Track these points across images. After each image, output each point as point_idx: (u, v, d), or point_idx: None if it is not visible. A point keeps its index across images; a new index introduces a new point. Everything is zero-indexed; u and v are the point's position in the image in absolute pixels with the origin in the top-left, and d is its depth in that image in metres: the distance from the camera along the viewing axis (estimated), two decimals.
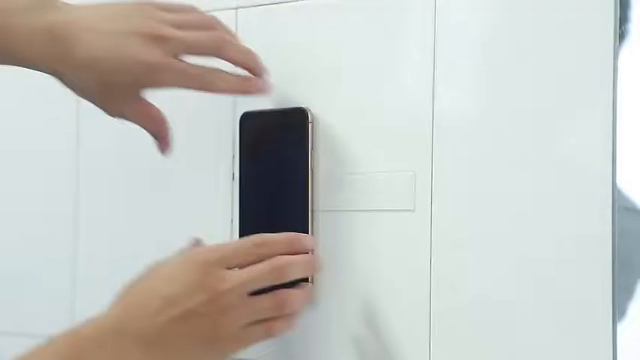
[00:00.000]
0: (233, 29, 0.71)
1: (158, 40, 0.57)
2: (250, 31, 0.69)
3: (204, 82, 0.60)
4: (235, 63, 0.62)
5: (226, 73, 0.61)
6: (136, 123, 0.62)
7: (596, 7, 0.58)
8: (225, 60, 0.61)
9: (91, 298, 0.79)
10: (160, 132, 0.63)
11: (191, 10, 0.63)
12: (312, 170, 0.66)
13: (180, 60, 0.59)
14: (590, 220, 0.57)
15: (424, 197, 0.62)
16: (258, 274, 0.56)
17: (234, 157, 0.70)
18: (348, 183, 0.65)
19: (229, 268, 0.56)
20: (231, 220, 0.70)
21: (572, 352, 0.57)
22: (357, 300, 0.65)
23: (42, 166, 0.83)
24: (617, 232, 0.56)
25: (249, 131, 0.66)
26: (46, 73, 0.58)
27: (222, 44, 0.60)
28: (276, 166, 0.66)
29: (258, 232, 0.63)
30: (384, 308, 0.64)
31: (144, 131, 0.63)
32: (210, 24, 0.61)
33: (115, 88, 0.58)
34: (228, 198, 0.71)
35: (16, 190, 0.85)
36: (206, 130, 0.72)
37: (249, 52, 0.63)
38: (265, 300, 0.57)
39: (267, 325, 0.57)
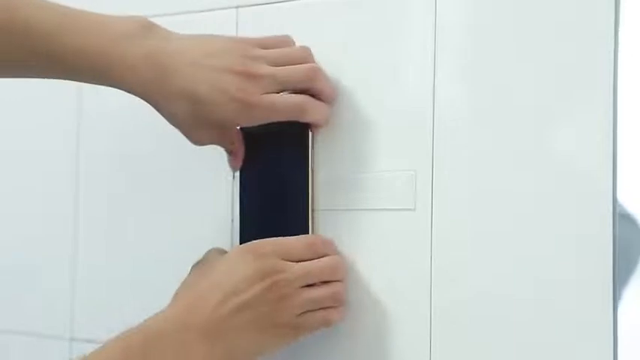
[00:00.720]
0: (234, 28, 0.71)
1: (252, 78, 0.59)
2: (250, 30, 0.69)
3: (295, 114, 0.62)
4: (321, 94, 0.64)
5: (317, 102, 0.63)
6: (217, 145, 0.65)
7: (596, 7, 0.58)
8: (313, 90, 0.63)
9: (91, 298, 0.80)
10: (236, 152, 0.66)
11: (285, 42, 0.65)
12: (312, 170, 0.66)
13: (271, 95, 0.61)
14: (590, 218, 0.57)
15: (425, 196, 0.63)
16: (317, 270, 0.61)
17: None
18: (348, 182, 0.65)
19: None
20: (232, 220, 0.70)
21: (573, 349, 0.57)
22: (357, 298, 0.65)
23: (42, 166, 0.83)
24: (617, 231, 0.56)
25: (249, 131, 0.66)
26: (139, 97, 0.61)
27: (313, 76, 0.63)
28: (277, 165, 0.66)
29: (258, 232, 0.63)
30: (384, 306, 0.64)
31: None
32: (302, 57, 0.64)
33: (204, 120, 0.60)
34: (229, 198, 0.71)
35: (16, 190, 0.85)
36: None
37: (334, 87, 0.65)
38: (322, 290, 0.61)
39: (324, 313, 0.61)
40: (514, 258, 0.59)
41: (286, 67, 0.62)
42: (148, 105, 0.61)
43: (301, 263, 0.60)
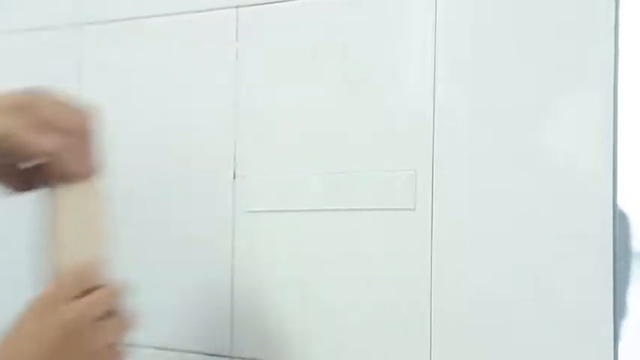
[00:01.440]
0: (234, 28, 0.71)
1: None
2: (251, 29, 0.69)
3: (53, 155, 0.57)
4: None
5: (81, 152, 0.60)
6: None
7: (596, 7, 0.58)
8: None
9: None
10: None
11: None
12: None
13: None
14: (590, 218, 0.57)
15: (425, 196, 0.63)
16: (99, 299, 0.56)
17: (234, 157, 0.70)
18: (349, 182, 0.66)
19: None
20: (232, 220, 0.70)
21: (573, 349, 0.57)
22: (358, 298, 0.65)
23: None
24: (617, 231, 0.56)
25: None
26: None
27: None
28: None
29: None
30: (385, 306, 0.64)
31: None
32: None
33: None
34: (229, 198, 0.71)
35: None
36: (206, 130, 0.72)
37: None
38: (115, 322, 0.57)
39: (116, 348, 0.57)
40: (514, 258, 0.59)
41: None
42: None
43: (84, 297, 0.56)
